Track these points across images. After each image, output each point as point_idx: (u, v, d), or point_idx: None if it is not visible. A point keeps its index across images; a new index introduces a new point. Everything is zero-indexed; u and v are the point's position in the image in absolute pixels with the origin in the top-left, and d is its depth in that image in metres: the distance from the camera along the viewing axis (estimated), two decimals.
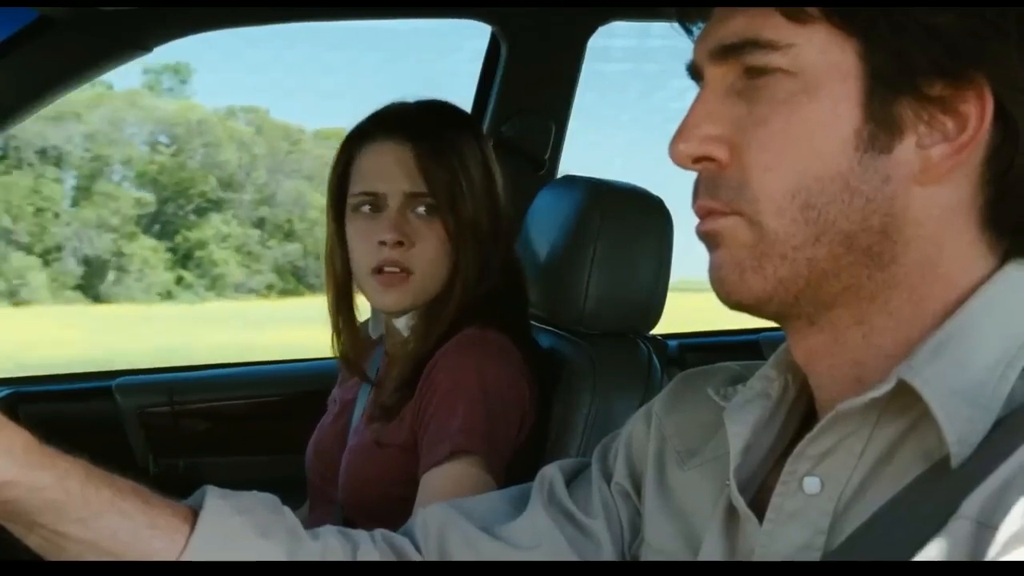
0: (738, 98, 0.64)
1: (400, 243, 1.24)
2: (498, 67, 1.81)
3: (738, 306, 0.66)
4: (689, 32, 0.69)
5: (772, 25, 0.62)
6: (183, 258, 12.36)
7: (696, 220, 0.67)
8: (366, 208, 1.27)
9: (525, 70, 1.81)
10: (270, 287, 12.43)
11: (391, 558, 0.80)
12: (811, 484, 0.64)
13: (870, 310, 0.64)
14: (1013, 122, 0.61)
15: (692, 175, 0.67)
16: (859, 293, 0.64)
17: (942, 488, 0.58)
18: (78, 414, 1.76)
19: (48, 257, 11.70)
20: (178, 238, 12.35)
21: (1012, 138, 0.61)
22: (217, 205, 12.50)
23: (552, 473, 0.84)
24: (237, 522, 0.73)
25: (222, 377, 1.89)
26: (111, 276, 11.98)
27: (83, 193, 12.25)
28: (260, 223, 12.63)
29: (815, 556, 0.63)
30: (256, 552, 0.73)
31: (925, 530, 0.55)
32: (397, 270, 1.25)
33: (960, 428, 0.58)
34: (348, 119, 1.33)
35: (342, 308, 1.34)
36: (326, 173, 1.35)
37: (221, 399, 1.81)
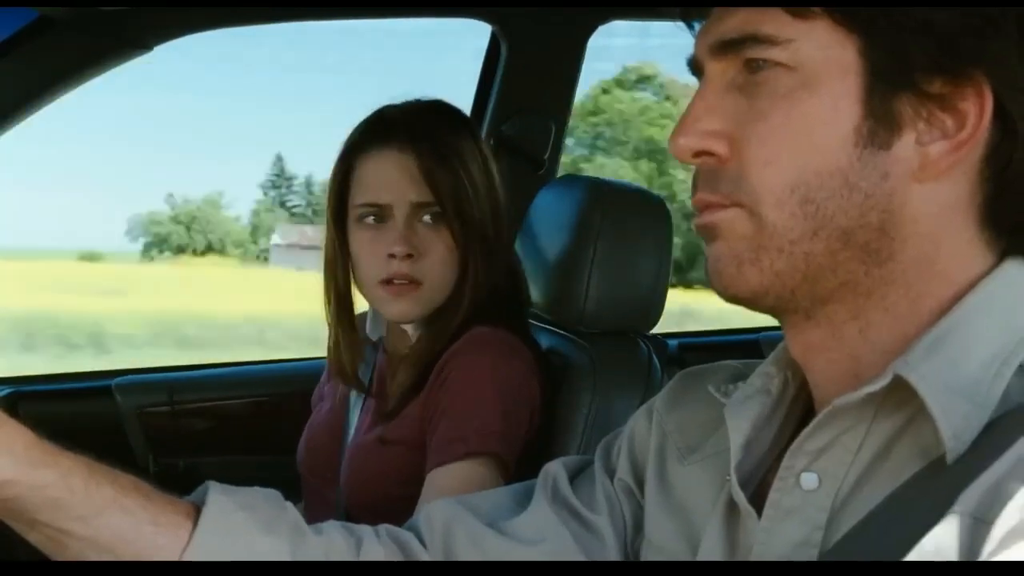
0: (738, 93, 0.64)
1: (409, 255, 1.23)
2: (498, 67, 1.81)
3: (735, 299, 0.66)
4: (691, 28, 0.69)
5: (773, 20, 0.62)
6: None
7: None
8: (370, 219, 1.26)
9: (525, 70, 1.81)
10: None
11: (396, 553, 0.80)
12: (808, 480, 0.65)
13: (867, 306, 0.64)
14: (1012, 120, 0.61)
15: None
16: (856, 289, 0.64)
17: (938, 484, 0.58)
18: (78, 413, 1.76)
19: None
20: None
21: (1011, 136, 0.62)
22: None
23: (556, 470, 0.84)
24: (240, 518, 0.73)
25: (222, 376, 1.89)
26: None
27: None
28: None
29: (813, 552, 0.63)
30: (260, 548, 0.73)
31: (922, 526, 0.55)
32: (406, 282, 1.24)
33: (956, 424, 0.58)
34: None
35: (342, 319, 1.33)
36: None
37: (221, 398, 1.81)
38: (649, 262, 1.33)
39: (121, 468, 0.70)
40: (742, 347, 2.13)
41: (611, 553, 0.80)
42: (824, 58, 0.62)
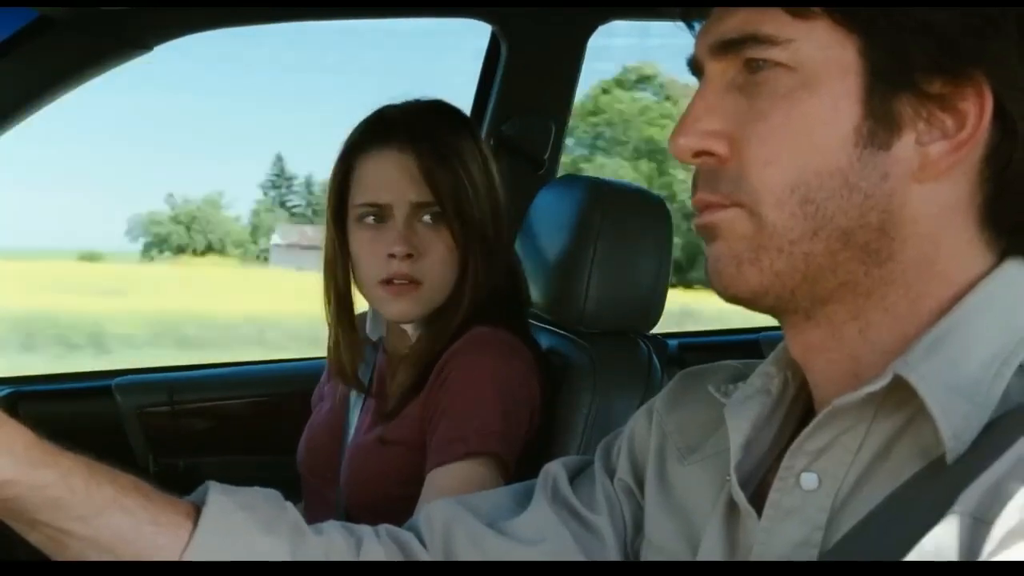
0: (738, 93, 0.64)
1: (409, 255, 1.23)
2: (498, 67, 1.81)
3: (735, 299, 0.66)
4: (691, 28, 0.69)
5: (773, 20, 0.62)
6: None
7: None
8: (370, 219, 1.26)
9: (525, 70, 1.81)
10: None
11: (396, 553, 0.80)
12: (808, 480, 0.65)
13: (866, 306, 0.64)
14: (1012, 120, 0.61)
15: None
16: (855, 289, 0.64)
17: (938, 484, 0.58)
18: (78, 413, 1.76)
19: None
20: None
21: (1011, 136, 0.62)
22: None
23: (556, 470, 0.84)
24: (240, 518, 0.73)
25: (222, 376, 1.89)
26: None
27: None
28: None
29: (813, 552, 0.63)
30: (260, 548, 0.73)
31: (922, 526, 0.55)
32: (406, 282, 1.24)
33: (956, 424, 0.58)
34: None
35: (342, 319, 1.33)
36: None
37: (221, 398, 1.81)
38: (649, 262, 1.33)
39: (121, 468, 0.70)
40: (742, 347, 2.13)
41: (611, 553, 0.80)
42: (824, 58, 0.62)
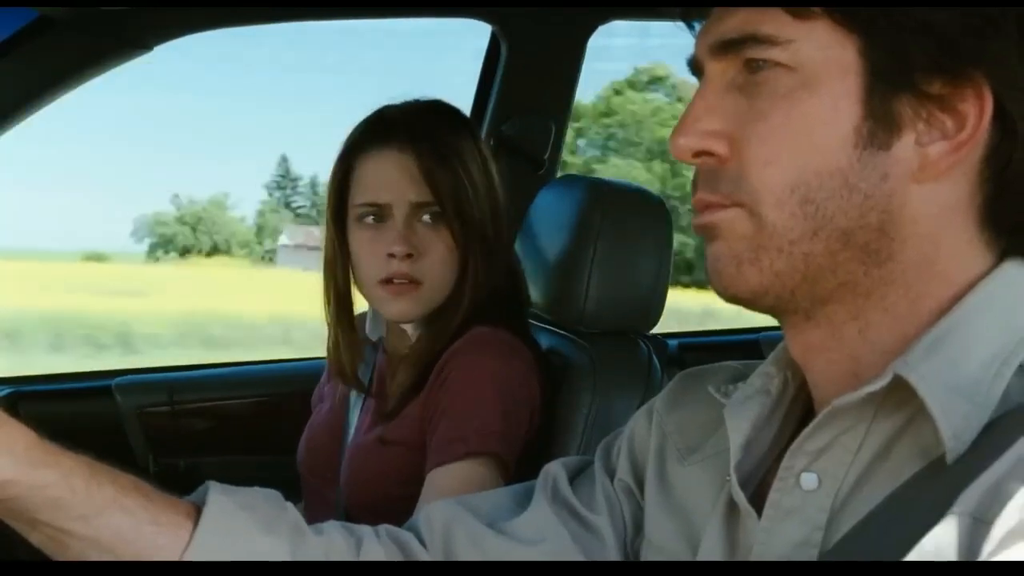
0: (738, 93, 0.64)
1: (409, 255, 1.23)
2: (498, 67, 1.81)
3: (735, 299, 0.66)
4: (692, 28, 0.69)
5: (773, 20, 0.62)
6: None
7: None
8: (370, 219, 1.26)
9: (525, 70, 1.81)
10: None
11: (396, 553, 0.80)
12: (808, 480, 0.65)
13: (866, 306, 0.64)
14: (1011, 120, 0.61)
15: None
16: (855, 289, 0.64)
17: (938, 484, 0.58)
18: (78, 413, 1.76)
19: None
20: None
21: (1010, 136, 0.62)
22: None
23: (556, 470, 0.84)
24: (240, 518, 0.73)
25: (222, 376, 1.89)
26: None
27: None
28: None
29: (813, 552, 0.63)
30: (260, 548, 0.73)
31: (921, 526, 0.55)
32: (406, 281, 1.25)
33: (956, 424, 0.58)
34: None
35: (342, 319, 1.33)
36: None
37: (221, 398, 1.81)
38: (649, 262, 1.33)
39: (121, 468, 0.70)
40: (742, 347, 2.13)
41: (611, 553, 0.80)
42: (824, 58, 0.62)
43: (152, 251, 19.38)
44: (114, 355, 8.81)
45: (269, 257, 18.97)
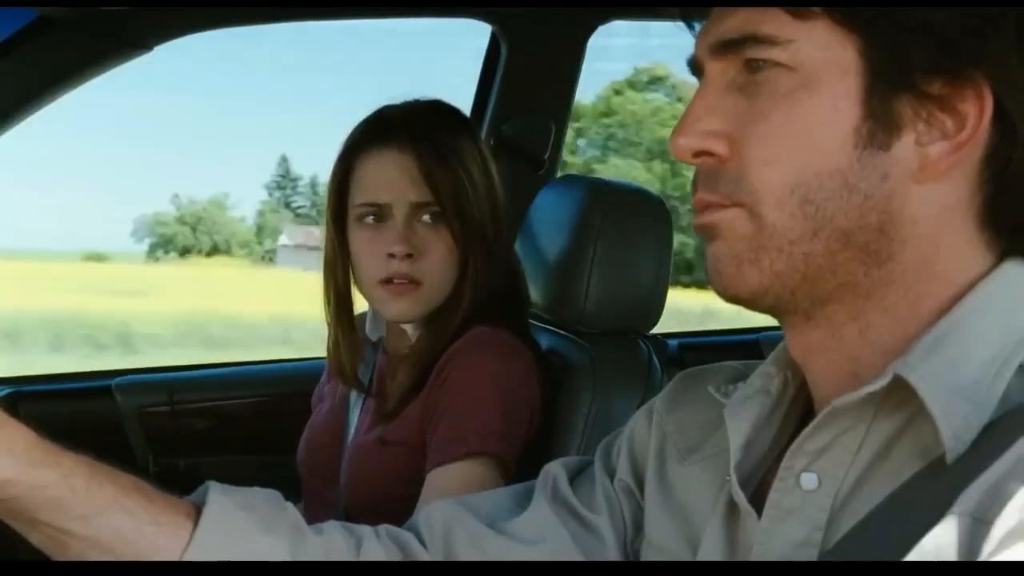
0: (738, 93, 0.64)
1: (409, 255, 1.23)
2: (498, 67, 1.81)
3: (734, 299, 0.66)
4: (692, 28, 0.69)
5: (773, 20, 0.62)
6: None
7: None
8: (370, 219, 1.26)
9: (525, 70, 1.81)
10: None
11: (396, 554, 0.80)
12: (808, 480, 0.65)
13: (866, 307, 0.64)
14: (1011, 121, 0.61)
15: None
16: (855, 290, 0.64)
17: (938, 484, 0.58)
18: (78, 413, 1.76)
19: None
20: None
21: (1010, 137, 0.62)
22: None
23: (556, 470, 0.84)
24: (241, 518, 0.73)
25: (222, 376, 1.89)
26: None
27: None
28: None
29: (813, 552, 0.63)
30: (260, 548, 0.73)
31: (921, 526, 0.55)
32: (406, 281, 1.25)
33: (955, 424, 0.58)
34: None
35: (342, 319, 1.33)
36: None
37: (221, 398, 1.81)
38: (649, 262, 1.33)
39: (121, 468, 0.70)
40: (742, 347, 2.13)
41: (611, 553, 0.80)
42: (824, 58, 0.62)
43: (152, 251, 19.37)
44: (114, 355, 8.81)
45: (269, 257, 18.97)
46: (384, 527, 0.82)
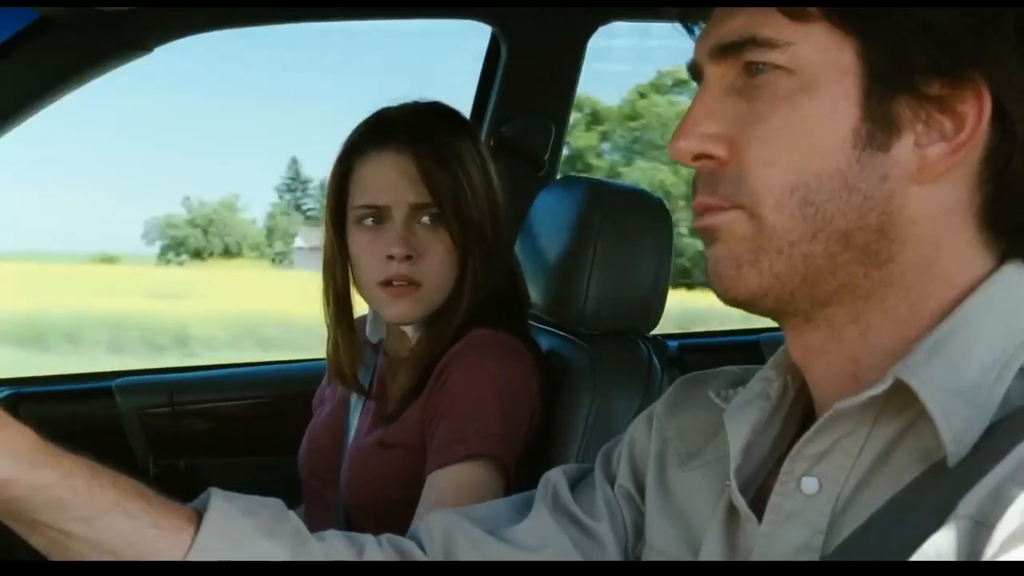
0: (738, 96, 0.64)
1: (408, 257, 1.23)
2: (498, 67, 1.81)
3: (734, 302, 0.66)
4: (691, 32, 0.69)
5: (772, 24, 0.62)
6: None
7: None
8: (369, 221, 1.26)
9: (525, 70, 1.81)
10: None
11: (397, 560, 0.80)
12: (809, 484, 0.64)
13: (866, 308, 0.64)
14: (1010, 122, 0.61)
15: None
16: (855, 291, 0.64)
17: (939, 488, 0.58)
18: (78, 414, 1.76)
19: None
20: None
21: (1009, 138, 0.62)
22: None
23: (556, 477, 0.84)
24: (242, 523, 0.73)
25: (222, 377, 1.89)
26: None
27: None
28: None
29: (814, 556, 0.63)
30: (261, 553, 0.73)
31: (923, 530, 0.55)
32: (405, 283, 1.24)
33: (957, 428, 0.58)
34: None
35: (341, 320, 1.33)
36: None
37: (222, 399, 1.81)
38: (649, 263, 1.33)
39: (121, 469, 0.70)
40: (742, 348, 2.13)
41: (611, 559, 0.80)
42: (823, 61, 0.62)
43: (163, 253, 19.33)
44: (173, 356, 8.83)
45: (279, 259, 18.95)
46: (385, 536, 0.82)
